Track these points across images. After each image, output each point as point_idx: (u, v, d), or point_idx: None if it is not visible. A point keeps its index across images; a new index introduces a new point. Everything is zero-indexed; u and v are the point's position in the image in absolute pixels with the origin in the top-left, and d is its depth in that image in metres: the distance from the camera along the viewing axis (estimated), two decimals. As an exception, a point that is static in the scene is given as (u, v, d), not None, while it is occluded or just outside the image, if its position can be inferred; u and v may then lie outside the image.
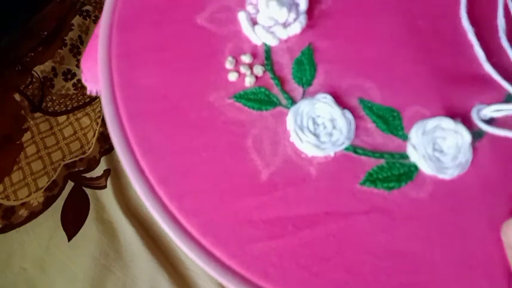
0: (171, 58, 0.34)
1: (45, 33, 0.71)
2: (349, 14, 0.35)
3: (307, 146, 0.31)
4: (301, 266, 0.29)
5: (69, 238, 0.61)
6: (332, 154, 0.32)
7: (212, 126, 0.32)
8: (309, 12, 0.35)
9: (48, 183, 0.64)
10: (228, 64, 0.34)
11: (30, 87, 0.69)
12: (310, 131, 0.32)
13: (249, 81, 0.33)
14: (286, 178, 0.31)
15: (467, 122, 0.32)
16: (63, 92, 0.70)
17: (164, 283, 0.58)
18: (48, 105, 0.70)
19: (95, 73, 0.40)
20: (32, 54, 0.71)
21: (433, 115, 0.32)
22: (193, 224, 0.30)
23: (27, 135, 0.66)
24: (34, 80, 0.70)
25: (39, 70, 0.70)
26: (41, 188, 0.64)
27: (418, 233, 0.30)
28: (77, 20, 0.75)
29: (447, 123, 0.31)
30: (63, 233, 0.61)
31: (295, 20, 0.34)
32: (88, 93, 0.41)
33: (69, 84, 0.72)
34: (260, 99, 0.33)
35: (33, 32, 0.71)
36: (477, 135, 0.31)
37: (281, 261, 0.30)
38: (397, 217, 0.30)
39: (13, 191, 0.63)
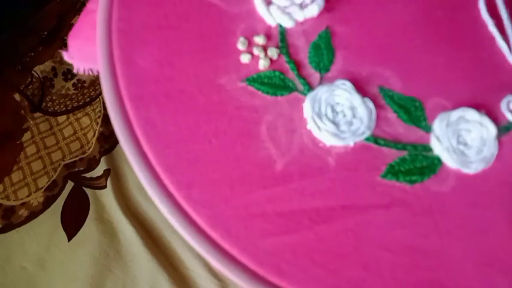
0: (178, 37, 0.32)
1: (45, 33, 0.71)
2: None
3: (325, 134, 0.29)
4: (316, 263, 0.27)
5: (69, 238, 0.62)
6: (352, 144, 0.30)
7: (223, 111, 0.30)
8: (327, -7, 0.33)
9: (48, 183, 0.65)
10: (240, 45, 0.31)
11: (30, 87, 0.70)
12: (329, 119, 0.30)
13: (263, 64, 0.31)
14: (302, 169, 0.29)
15: (491, 115, 0.30)
16: (63, 92, 0.71)
17: (164, 283, 0.58)
18: (48, 105, 0.70)
19: (84, 52, 0.37)
20: (32, 54, 0.72)
21: (454, 107, 0.31)
22: (201, 215, 0.28)
23: (27, 135, 0.67)
24: (34, 80, 0.70)
25: (39, 70, 0.71)
26: (41, 188, 0.64)
27: (438, 228, 0.29)
28: (77, 19, 0.73)
29: (472, 115, 0.30)
30: (63, 232, 0.62)
31: (312, 1, 0.32)
32: (75, 71, 0.39)
33: (69, 84, 0.72)
34: (275, 83, 0.31)
35: (33, 30, 0.72)
36: (503, 129, 0.30)
37: (295, 257, 0.28)
38: (417, 211, 0.29)
39: (13, 191, 0.64)
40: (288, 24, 0.32)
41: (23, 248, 0.61)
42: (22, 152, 0.66)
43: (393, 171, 0.29)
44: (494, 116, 0.30)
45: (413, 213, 0.29)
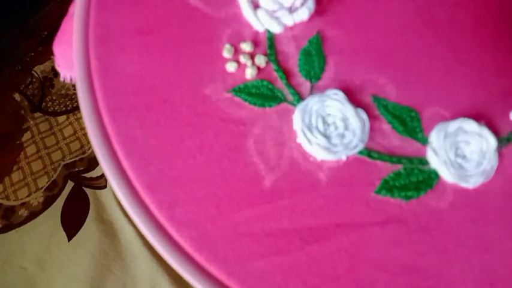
0: (160, 43, 0.30)
1: (45, 33, 0.71)
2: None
3: (316, 148, 0.28)
4: (308, 286, 0.26)
5: (69, 238, 0.61)
6: (344, 158, 0.28)
7: (208, 124, 0.28)
8: (318, -5, 0.31)
9: (48, 183, 0.65)
10: (226, 52, 0.30)
11: (30, 87, 0.70)
12: (320, 132, 0.28)
13: (250, 73, 0.29)
14: (292, 185, 0.28)
15: (491, 125, 0.29)
16: (63, 92, 0.71)
17: (164, 283, 0.58)
18: (48, 105, 0.70)
19: (69, 59, 0.35)
20: (32, 54, 0.72)
21: (453, 117, 0.29)
22: (185, 237, 0.26)
23: (27, 135, 0.67)
24: (34, 79, 0.71)
25: (39, 70, 0.71)
26: (41, 188, 0.64)
27: (436, 247, 0.27)
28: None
29: (471, 126, 0.29)
30: (63, 233, 0.62)
31: (302, 4, 0.30)
32: (61, 80, 0.37)
33: (69, 84, 0.71)
34: (263, 93, 0.29)
35: (33, 31, 0.71)
36: (504, 140, 0.29)
37: (286, 280, 0.26)
38: (414, 229, 0.28)
39: (13, 191, 0.64)
40: (276, 29, 0.30)
41: (23, 248, 0.61)
42: (22, 152, 0.66)
43: (388, 187, 0.28)
44: (494, 126, 0.29)
45: (410, 231, 0.27)
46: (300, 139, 0.28)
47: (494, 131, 0.29)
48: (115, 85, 0.29)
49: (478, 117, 0.29)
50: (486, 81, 0.30)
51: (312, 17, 0.31)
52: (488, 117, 0.29)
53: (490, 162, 0.28)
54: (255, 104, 0.29)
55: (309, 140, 0.28)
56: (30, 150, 0.66)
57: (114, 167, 0.28)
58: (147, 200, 0.27)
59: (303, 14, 0.30)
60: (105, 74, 0.29)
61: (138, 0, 0.31)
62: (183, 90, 0.29)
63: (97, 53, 0.29)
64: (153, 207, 0.27)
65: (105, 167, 0.28)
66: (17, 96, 0.69)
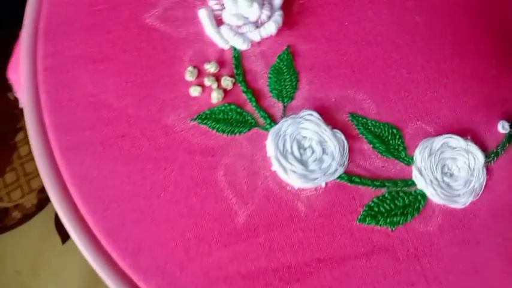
0: (115, 70, 0.27)
1: None
2: (332, 8, 0.29)
3: (292, 176, 0.26)
4: (292, 328, 0.24)
5: (63, 241, 0.61)
6: (323, 185, 0.26)
7: (172, 158, 0.26)
8: (285, 7, 0.29)
9: (42, 184, 0.62)
10: (189, 75, 0.27)
11: None
12: (296, 158, 0.26)
13: (216, 97, 0.27)
14: (268, 219, 0.26)
15: (478, 139, 0.27)
16: None
17: None
18: None
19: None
20: None
21: (438, 133, 0.27)
22: (153, 286, 0.24)
23: (20, 135, 0.65)
24: None
25: None
26: (34, 189, 0.63)
27: (427, 275, 0.26)
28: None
29: (457, 141, 0.27)
30: (57, 236, 0.61)
31: (269, 17, 0.28)
32: (20, 106, 0.34)
33: None
34: (231, 119, 0.27)
35: None
36: (492, 155, 0.27)
37: (268, 324, 0.24)
38: (402, 257, 0.26)
39: (6, 192, 0.62)
40: (242, 46, 0.28)
41: (17, 251, 0.60)
42: (15, 152, 0.63)
43: (372, 213, 0.26)
44: (481, 139, 0.27)
45: (398, 260, 0.26)
46: (275, 167, 0.26)
47: (482, 145, 0.27)
48: (67, 121, 0.26)
49: (463, 131, 0.27)
50: (469, 90, 0.28)
51: (280, 31, 0.28)
52: (475, 130, 0.27)
53: (479, 179, 0.26)
54: (223, 131, 0.27)
55: (284, 168, 0.26)
56: (24, 150, 0.64)
57: (70, 213, 0.25)
58: (109, 248, 0.24)
59: (271, 28, 0.28)
60: (56, 110, 0.26)
61: (89, 26, 0.28)
62: (142, 122, 0.26)
63: (47, 86, 0.27)
64: (115, 256, 0.24)
65: (61, 213, 0.25)
66: (11, 95, 0.66)
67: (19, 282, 0.58)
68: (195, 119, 0.27)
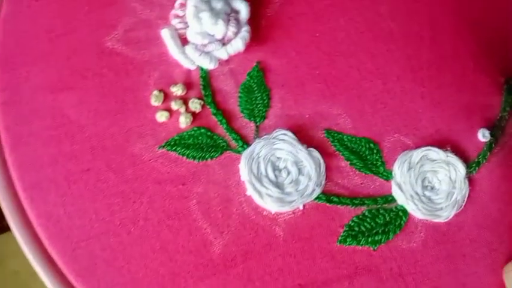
0: (76, 100, 0.26)
1: None
2: (302, 19, 0.28)
3: (268, 200, 0.25)
4: None
5: None
6: (301, 207, 0.25)
7: (140, 190, 0.25)
8: (252, 22, 0.27)
9: None
10: (154, 100, 0.26)
11: None
12: (271, 181, 0.25)
13: (184, 121, 0.26)
14: (245, 247, 0.25)
15: (459, 150, 0.26)
16: None
17: None
18: None
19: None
20: None
21: (417, 145, 0.26)
22: (129, 327, 0.23)
23: None
24: None
25: None
26: None
27: (412, 291, 0.25)
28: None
29: (436, 153, 0.26)
30: None
31: (236, 34, 0.27)
32: None
33: None
34: (201, 144, 0.26)
35: None
36: (474, 165, 0.26)
37: None
38: (386, 277, 0.25)
39: None
40: (209, 66, 0.27)
41: (16, 251, 0.59)
42: None
43: (352, 234, 0.25)
44: (462, 149, 0.27)
45: (381, 280, 0.25)
46: (250, 191, 0.25)
47: (463, 154, 0.26)
48: (29, 159, 0.25)
49: (443, 141, 0.27)
50: (448, 98, 0.27)
51: (249, 47, 0.27)
52: (455, 139, 0.27)
53: (461, 191, 0.26)
54: (193, 158, 0.26)
55: (259, 192, 0.25)
56: None
57: (39, 254, 0.24)
58: (80, 290, 0.24)
59: (238, 45, 0.27)
60: (16, 146, 0.25)
61: (47, 54, 0.26)
62: (107, 153, 0.25)
63: (5, 122, 0.26)
64: (87, 297, 0.23)
65: (30, 255, 0.24)
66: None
67: (18, 282, 0.58)
68: (164, 146, 0.26)
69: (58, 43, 0.27)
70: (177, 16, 0.27)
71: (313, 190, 0.25)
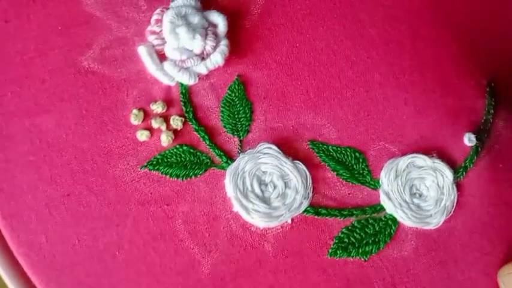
0: (53, 123, 0.26)
1: None
2: (281, 30, 0.28)
3: (256, 216, 0.25)
4: None
5: None
6: (289, 221, 0.25)
7: (124, 212, 0.25)
8: (231, 35, 0.27)
9: None
10: (134, 119, 0.26)
11: None
12: (257, 196, 0.25)
13: (166, 140, 0.26)
14: (235, 265, 0.25)
15: (445, 155, 0.26)
16: None
17: None
18: None
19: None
20: None
21: (402, 152, 0.26)
22: None
23: None
24: None
25: None
26: None
27: (407, 300, 0.25)
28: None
29: (422, 160, 0.26)
30: None
31: (214, 48, 0.27)
32: None
33: None
34: (185, 162, 0.26)
35: None
36: (461, 170, 0.26)
37: None
38: (379, 287, 0.25)
39: None
40: (189, 81, 0.27)
41: None
42: None
43: (342, 246, 0.25)
44: (448, 154, 0.27)
45: (375, 291, 0.25)
46: (236, 208, 0.25)
47: (449, 160, 0.26)
48: (7, 185, 0.24)
49: (429, 147, 0.27)
50: (432, 103, 0.27)
51: (229, 60, 0.27)
52: (441, 145, 0.27)
53: (450, 197, 0.26)
54: (177, 176, 0.25)
55: (245, 208, 0.25)
56: None
57: (21, 284, 0.24)
58: (66, 320, 0.23)
59: (217, 59, 0.27)
60: (-8, 173, 0.25)
61: (21, 78, 0.26)
62: (88, 177, 0.25)
63: (-21, 148, 0.25)
64: (74, 327, 0.23)
65: (11, 285, 0.24)
66: None
67: None
68: (146, 166, 0.25)
69: (31, 66, 0.26)
70: (154, 32, 0.27)
71: (301, 203, 0.25)
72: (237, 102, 0.27)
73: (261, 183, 0.25)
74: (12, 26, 0.27)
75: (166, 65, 0.26)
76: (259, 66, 0.27)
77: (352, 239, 0.25)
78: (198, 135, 0.26)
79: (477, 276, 0.26)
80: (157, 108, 0.26)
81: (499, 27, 0.29)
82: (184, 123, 0.26)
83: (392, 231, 0.25)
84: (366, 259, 0.25)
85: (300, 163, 0.26)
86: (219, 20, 0.27)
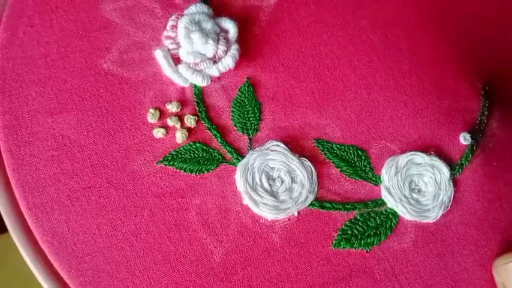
0: (75, 121, 0.28)
1: None
2: (288, 36, 0.31)
3: (264, 209, 0.27)
4: None
5: None
6: (296, 214, 0.27)
7: (141, 204, 0.27)
8: (241, 40, 0.30)
9: None
10: (151, 118, 0.28)
11: None
12: (266, 190, 0.27)
13: (180, 137, 0.28)
14: (244, 254, 0.27)
15: (442, 153, 0.29)
16: None
17: None
18: None
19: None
20: None
21: (402, 150, 0.29)
22: (135, 337, 0.25)
23: None
24: None
25: None
26: None
27: (407, 290, 0.27)
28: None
29: (421, 158, 0.28)
30: None
31: (226, 52, 0.29)
32: None
33: None
34: (198, 157, 0.28)
35: None
36: (457, 167, 0.28)
37: None
38: (380, 277, 0.27)
39: None
40: (202, 83, 0.29)
41: (17, 250, 0.63)
42: None
43: (346, 237, 0.27)
44: (445, 152, 0.29)
45: (376, 280, 0.27)
46: (246, 201, 0.27)
47: (446, 158, 0.29)
48: (31, 179, 0.27)
49: (427, 146, 0.29)
50: (429, 105, 0.30)
51: (239, 64, 0.30)
52: (438, 144, 0.29)
53: (447, 192, 0.28)
54: (191, 171, 0.28)
55: (255, 201, 0.27)
56: None
57: (45, 271, 0.26)
58: (86, 304, 0.25)
59: (228, 62, 0.29)
60: (19, 167, 0.27)
61: (44, 78, 0.28)
62: (107, 171, 0.27)
63: (7, 145, 0.27)
64: (93, 311, 0.25)
65: (36, 271, 0.26)
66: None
67: (21, 279, 0.58)
68: (161, 161, 0.28)
69: (54, 67, 0.29)
70: (169, 37, 0.30)
71: (307, 197, 0.28)
72: (247, 102, 0.29)
73: (269, 178, 0.28)
74: (36, 31, 0.29)
75: (181, 67, 0.29)
76: (268, 70, 0.30)
77: (355, 231, 0.27)
78: (210, 133, 0.29)
79: (473, 267, 0.28)
80: (172, 107, 0.29)
81: (493, 31, 0.31)
82: (197, 122, 0.29)
83: (392, 224, 0.28)
84: (368, 250, 0.27)
85: (306, 160, 0.28)
86: (230, 26, 0.30)
